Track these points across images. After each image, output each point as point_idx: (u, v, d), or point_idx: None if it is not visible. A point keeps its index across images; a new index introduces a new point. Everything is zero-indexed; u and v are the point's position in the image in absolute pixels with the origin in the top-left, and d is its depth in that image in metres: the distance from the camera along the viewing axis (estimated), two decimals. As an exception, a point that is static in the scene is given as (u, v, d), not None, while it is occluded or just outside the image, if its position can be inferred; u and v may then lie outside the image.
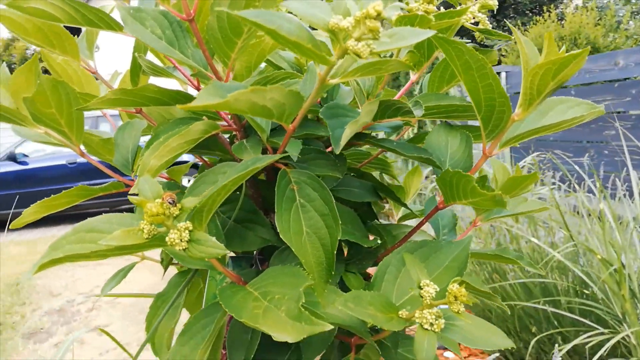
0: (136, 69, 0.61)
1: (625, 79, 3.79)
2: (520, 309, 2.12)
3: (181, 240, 0.36)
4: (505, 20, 13.59)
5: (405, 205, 0.65)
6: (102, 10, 0.50)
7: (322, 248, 0.43)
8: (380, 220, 0.71)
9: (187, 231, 0.36)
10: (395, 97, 0.60)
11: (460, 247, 0.52)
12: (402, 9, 0.45)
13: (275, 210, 0.42)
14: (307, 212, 0.44)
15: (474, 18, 0.57)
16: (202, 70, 0.45)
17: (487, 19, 0.59)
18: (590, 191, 2.50)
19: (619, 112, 3.79)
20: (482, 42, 13.78)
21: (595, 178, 2.08)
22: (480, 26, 0.59)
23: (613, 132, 3.79)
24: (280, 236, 0.41)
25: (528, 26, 10.54)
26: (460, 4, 0.58)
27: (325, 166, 0.51)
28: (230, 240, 0.53)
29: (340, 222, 0.43)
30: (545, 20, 9.96)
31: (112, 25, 0.50)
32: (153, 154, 0.43)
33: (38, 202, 0.48)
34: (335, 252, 0.43)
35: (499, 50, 12.26)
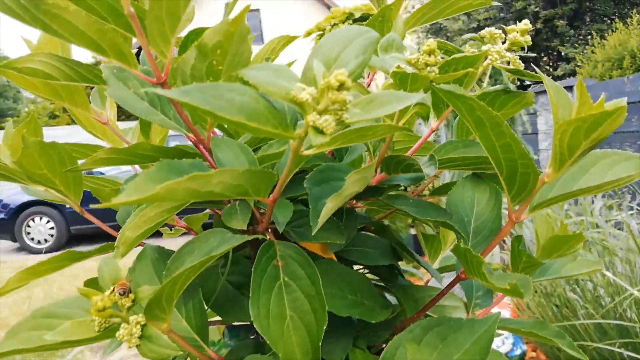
0: (146, 122, 0.59)
1: None
2: (594, 350, 1.92)
3: (132, 336, 0.32)
4: (583, 27, 12.82)
5: (428, 268, 0.58)
6: (97, 68, 0.49)
7: (309, 337, 0.38)
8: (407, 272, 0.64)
9: (138, 326, 0.32)
10: (415, 147, 0.54)
11: (485, 327, 0.45)
12: (407, 59, 0.39)
13: (251, 293, 0.37)
14: (292, 293, 0.39)
15: (501, 58, 0.50)
16: (184, 132, 0.42)
17: (518, 58, 0.51)
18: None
19: None
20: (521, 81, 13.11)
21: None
22: (510, 66, 0.52)
23: None
24: (254, 325, 0.36)
25: (606, 33, 9.87)
26: (486, 43, 0.51)
27: (326, 230, 0.46)
28: (228, 309, 0.49)
29: (326, 307, 0.38)
30: (627, 27, 9.28)
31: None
32: (130, 223, 0.40)
33: (24, 269, 0.47)
34: (320, 343, 0.37)
35: (573, 60, 11.58)
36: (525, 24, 0.52)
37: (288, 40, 0.71)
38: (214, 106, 0.26)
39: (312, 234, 0.45)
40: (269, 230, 0.44)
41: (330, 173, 0.41)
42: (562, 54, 12.76)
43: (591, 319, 1.97)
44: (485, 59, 0.51)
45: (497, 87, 0.52)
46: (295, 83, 0.29)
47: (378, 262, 0.54)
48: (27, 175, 0.49)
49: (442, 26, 15.21)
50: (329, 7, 15.83)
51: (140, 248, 0.52)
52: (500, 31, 0.52)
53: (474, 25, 13.44)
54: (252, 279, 0.37)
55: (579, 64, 10.45)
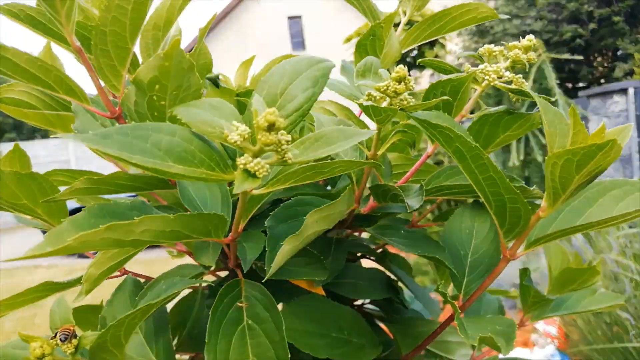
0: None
1: None
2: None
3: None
4: None
5: (423, 301, 0.53)
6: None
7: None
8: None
9: (79, 376, 0.30)
10: (408, 174, 0.50)
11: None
12: (381, 87, 0.36)
13: (207, 338, 0.35)
14: (256, 337, 0.36)
15: (500, 78, 0.45)
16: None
17: (521, 77, 0.47)
18: None
19: None
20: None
21: None
22: (513, 86, 0.47)
23: None
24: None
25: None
26: (485, 62, 0.47)
27: (305, 265, 0.43)
28: (200, 342, 0.47)
29: (289, 356, 0.35)
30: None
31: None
32: (94, 260, 0.39)
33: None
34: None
35: (632, 57, 10.95)
36: (529, 39, 0.47)
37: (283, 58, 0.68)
38: (132, 151, 0.24)
39: (288, 271, 0.43)
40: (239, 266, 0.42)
41: (299, 208, 0.38)
42: (619, 53, 12.12)
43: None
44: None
45: (500, 107, 0.48)
46: (233, 121, 0.27)
47: (370, 296, 0.50)
48: (10, 205, 0.49)
49: (487, 28, 14.80)
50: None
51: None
52: (503, 47, 0.48)
53: (525, 28, 12.99)
54: (209, 322, 0.35)
55: (638, 63, 9.86)
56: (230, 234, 0.35)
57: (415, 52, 7.94)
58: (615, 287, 2.08)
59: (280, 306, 0.44)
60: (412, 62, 8.18)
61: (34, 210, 0.50)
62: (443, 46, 8.14)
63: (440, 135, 0.35)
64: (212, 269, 0.43)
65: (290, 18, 16.28)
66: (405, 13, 0.58)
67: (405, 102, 0.34)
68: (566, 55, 3.54)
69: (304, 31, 14.99)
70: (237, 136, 0.25)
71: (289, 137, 0.26)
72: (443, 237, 0.48)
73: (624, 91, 4.44)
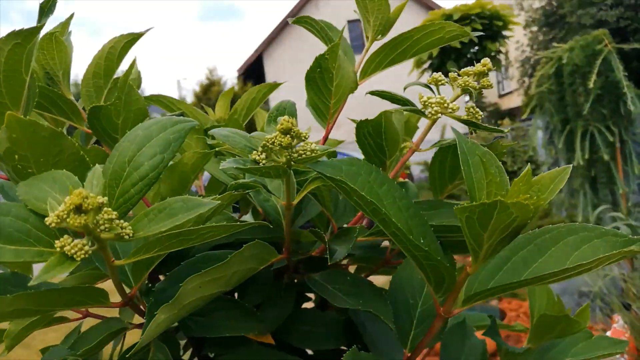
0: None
1: None
2: None
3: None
4: None
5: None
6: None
7: None
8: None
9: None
10: (354, 219, 0.47)
11: None
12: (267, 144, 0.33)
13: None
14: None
15: (443, 110, 0.41)
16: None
17: (473, 105, 0.42)
18: None
19: None
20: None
21: None
22: (467, 116, 0.42)
23: None
24: None
25: None
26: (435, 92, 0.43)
27: (236, 318, 0.41)
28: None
29: None
30: None
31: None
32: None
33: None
34: None
35: None
36: (484, 63, 0.42)
37: (271, 87, 0.67)
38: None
39: (218, 325, 0.41)
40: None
41: (202, 266, 0.36)
42: None
43: None
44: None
45: (451, 139, 0.43)
46: (65, 197, 0.25)
47: (325, 346, 0.47)
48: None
49: (558, 18, 13.98)
50: (428, 9, 15.41)
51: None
52: (455, 74, 0.43)
53: (601, 17, 12.15)
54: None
55: None
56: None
57: (476, 47, 7.66)
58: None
59: None
60: (474, 58, 7.90)
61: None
62: (506, 38, 7.78)
63: (339, 187, 0.32)
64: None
65: (350, 22, 16.29)
66: (368, 38, 0.55)
67: (296, 155, 0.31)
68: (635, 45, 3.23)
69: (364, 34, 14.92)
70: (54, 218, 0.24)
71: (114, 215, 0.24)
72: (393, 284, 0.44)
73: None
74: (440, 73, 0.43)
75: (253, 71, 16.53)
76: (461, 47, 7.44)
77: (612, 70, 3.24)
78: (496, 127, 0.42)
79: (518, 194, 0.29)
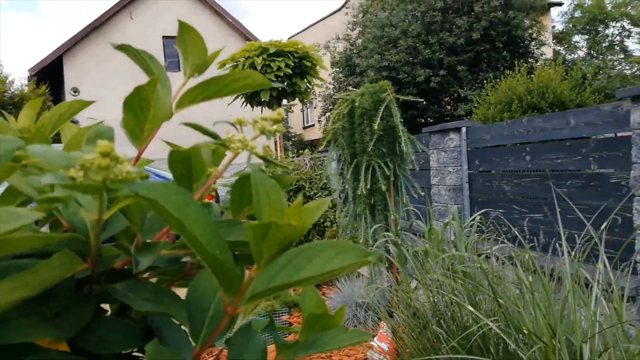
0: None
1: (576, 138, 3.82)
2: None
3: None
4: (480, 73, 13.97)
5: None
6: None
7: None
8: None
9: None
10: (162, 235, 0.53)
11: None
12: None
13: None
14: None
15: (244, 146, 0.50)
16: None
17: (270, 146, 0.52)
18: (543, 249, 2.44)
19: (571, 171, 3.81)
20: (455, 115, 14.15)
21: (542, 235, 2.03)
22: (262, 153, 0.53)
23: (565, 190, 3.79)
24: None
25: (500, 80, 10.83)
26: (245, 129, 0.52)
27: (32, 326, 0.43)
28: None
29: None
30: (515, 75, 10.25)
31: None
32: None
33: None
34: None
35: (471, 101, 12.54)
36: (279, 113, 0.53)
37: (82, 105, 0.68)
38: None
39: (13, 332, 0.42)
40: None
41: (13, 272, 0.38)
42: (462, 95, 13.79)
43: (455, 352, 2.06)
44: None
45: (248, 169, 0.53)
46: None
47: (120, 348, 0.51)
48: None
49: (355, 62, 15.90)
50: (246, 39, 15.90)
51: None
52: (258, 118, 0.53)
53: (386, 64, 14.18)
54: None
55: (475, 105, 11.33)
56: None
57: (286, 82, 8.22)
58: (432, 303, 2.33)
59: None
60: (285, 91, 8.42)
61: None
62: (314, 77, 8.53)
63: (153, 205, 0.38)
64: None
65: (165, 37, 15.71)
66: (185, 74, 0.62)
67: (112, 176, 0.37)
68: (409, 97, 3.92)
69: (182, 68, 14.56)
70: None
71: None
72: (190, 290, 0.51)
73: (458, 130, 5.05)
74: (244, 117, 0.53)
75: (49, 73, 14.65)
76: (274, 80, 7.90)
77: (392, 115, 3.85)
78: (283, 164, 0.53)
79: (290, 217, 0.40)
